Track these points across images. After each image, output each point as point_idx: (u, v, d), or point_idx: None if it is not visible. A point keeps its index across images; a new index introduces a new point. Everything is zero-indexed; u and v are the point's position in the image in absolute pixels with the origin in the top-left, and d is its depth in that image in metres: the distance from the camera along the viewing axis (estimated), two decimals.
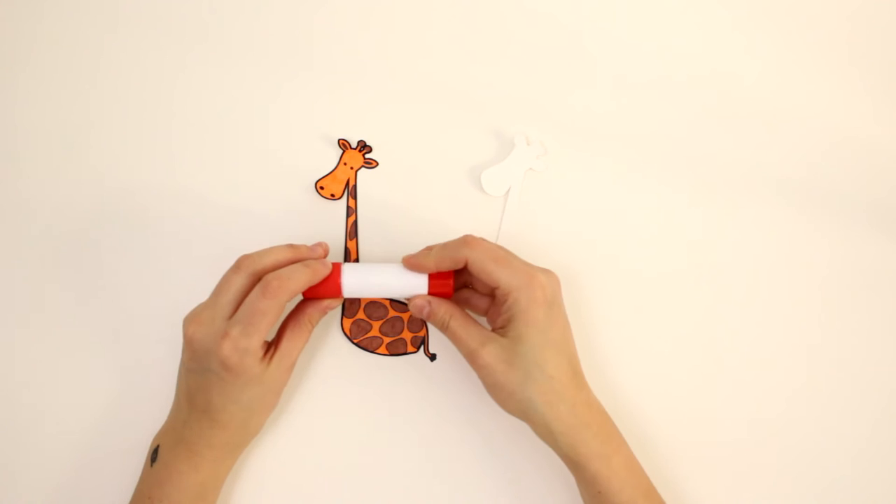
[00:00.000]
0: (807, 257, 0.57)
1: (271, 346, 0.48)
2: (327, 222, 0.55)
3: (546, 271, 0.48)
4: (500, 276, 0.46)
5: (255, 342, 0.45)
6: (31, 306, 0.54)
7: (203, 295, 0.47)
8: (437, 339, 0.55)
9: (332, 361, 0.54)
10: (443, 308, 0.48)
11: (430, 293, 0.49)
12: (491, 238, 0.55)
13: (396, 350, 0.54)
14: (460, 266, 0.47)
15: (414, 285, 0.49)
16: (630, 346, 0.55)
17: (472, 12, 0.59)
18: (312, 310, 0.49)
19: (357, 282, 0.48)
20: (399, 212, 0.56)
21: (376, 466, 0.53)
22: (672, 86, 0.59)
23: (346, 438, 0.53)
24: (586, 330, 0.54)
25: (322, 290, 0.49)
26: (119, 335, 0.54)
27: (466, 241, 0.47)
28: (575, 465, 0.47)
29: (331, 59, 0.58)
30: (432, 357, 0.54)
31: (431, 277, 0.49)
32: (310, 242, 0.54)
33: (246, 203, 0.55)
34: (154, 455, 0.48)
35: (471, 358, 0.47)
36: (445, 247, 0.48)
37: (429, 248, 0.49)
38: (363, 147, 0.56)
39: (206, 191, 0.56)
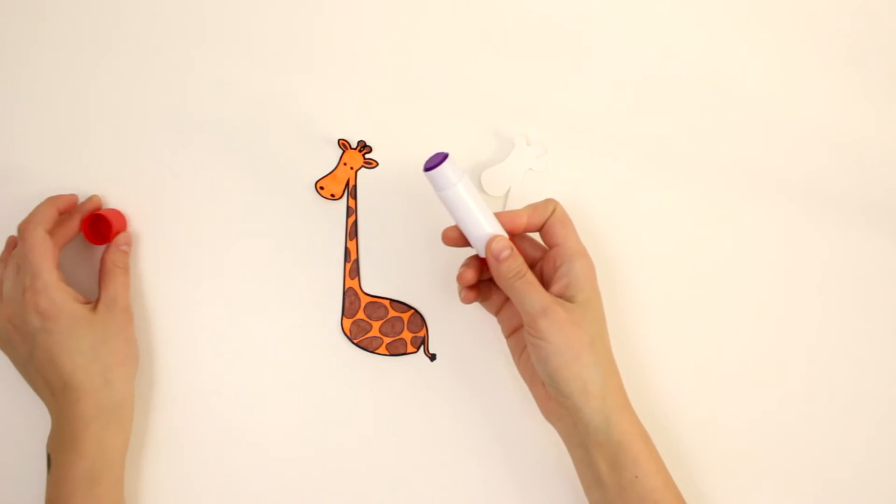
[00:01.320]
0: (805, 256, 0.57)
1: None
2: (327, 222, 0.55)
3: None
4: (570, 235, 0.48)
5: (47, 277, 0.47)
6: None
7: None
8: (437, 340, 0.55)
9: (332, 361, 0.54)
10: (521, 259, 0.46)
11: None
12: None
13: (396, 350, 0.54)
14: (547, 216, 0.48)
15: (489, 235, 0.47)
16: (629, 345, 0.55)
17: (471, 12, 0.59)
18: (107, 254, 0.52)
19: (461, 196, 0.46)
20: (399, 212, 0.56)
21: (376, 467, 0.53)
22: (672, 86, 0.59)
23: (346, 438, 0.53)
24: None
25: (100, 229, 0.53)
26: None
27: (550, 198, 0.49)
28: (617, 447, 0.45)
29: (331, 59, 0.58)
30: (432, 357, 0.54)
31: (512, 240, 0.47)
32: (310, 243, 0.54)
33: (246, 203, 0.55)
34: (49, 463, 0.47)
35: (542, 313, 0.44)
36: (534, 203, 0.49)
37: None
38: (363, 147, 0.56)
39: (205, 191, 0.56)
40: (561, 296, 0.46)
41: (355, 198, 0.56)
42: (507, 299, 0.50)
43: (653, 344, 0.55)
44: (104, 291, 0.50)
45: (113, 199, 0.55)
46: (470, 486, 0.53)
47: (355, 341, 0.54)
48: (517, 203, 0.56)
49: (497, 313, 0.51)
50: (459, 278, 0.49)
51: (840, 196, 0.58)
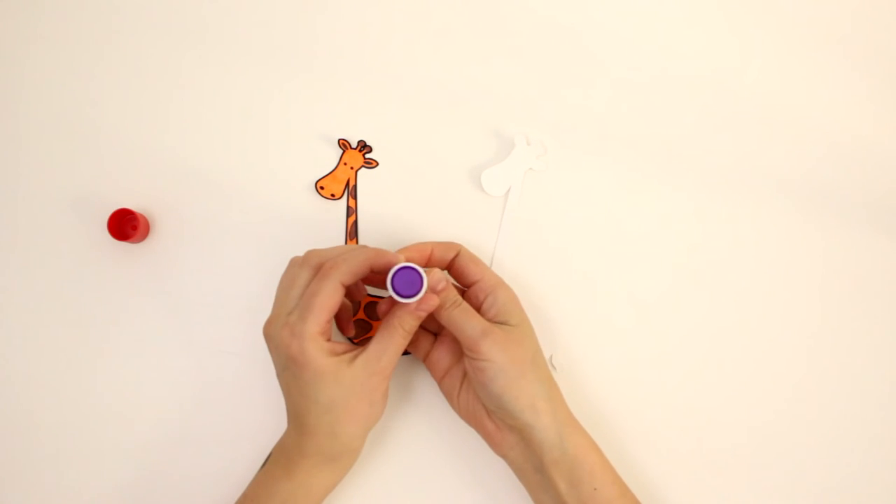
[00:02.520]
0: (806, 257, 0.57)
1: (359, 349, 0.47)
2: (327, 222, 0.55)
3: None
4: (485, 270, 0.49)
5: (311, 326, 0.43)
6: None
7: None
8: None
9: None
10: (455, 290, 0.48)
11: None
12: (491, 238, 0.56)
13: None
14: (452, 255, 0.49)
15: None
16: (630, 344, 0.55)
17: (472, 12, 0.59)
18: (402, 311, 0.46)
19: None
20: (399, 212, 0.56)
21: (374, 466, 0.53)
22: (672, 86, 0.59)
23: None
24: (586, 328, 0.55)
25: (126, 226, 0.53)
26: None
27: (454, 243, 0.50)
28: (573, 461, 0.46)
29: (331, 59, 0.58)
30: None
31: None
32: (310, 243, 0.54)
33: (246, 203, 0.55)
34: (265, 461, 0.48)
35: (482, 335, 0.46)
36: (438, 241, 0.50)
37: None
38: (363, 147, 0.56)
39: (205, 191, 0.56)
40: (493, 322, 0.48)
41: (355, 198, 0.56)
42: (434, 343, 0.51)
43: (653, 343, 0.55)
44: (375, 344, 0.46)
45: (112, 200, 0.55)
46: (470, 487, 0.53)
47: (355, 341, 0.54)
48: (517, 203, 0.56)
49: (425, 359, 0.51)
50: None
51: (840, 196, 0.58)
